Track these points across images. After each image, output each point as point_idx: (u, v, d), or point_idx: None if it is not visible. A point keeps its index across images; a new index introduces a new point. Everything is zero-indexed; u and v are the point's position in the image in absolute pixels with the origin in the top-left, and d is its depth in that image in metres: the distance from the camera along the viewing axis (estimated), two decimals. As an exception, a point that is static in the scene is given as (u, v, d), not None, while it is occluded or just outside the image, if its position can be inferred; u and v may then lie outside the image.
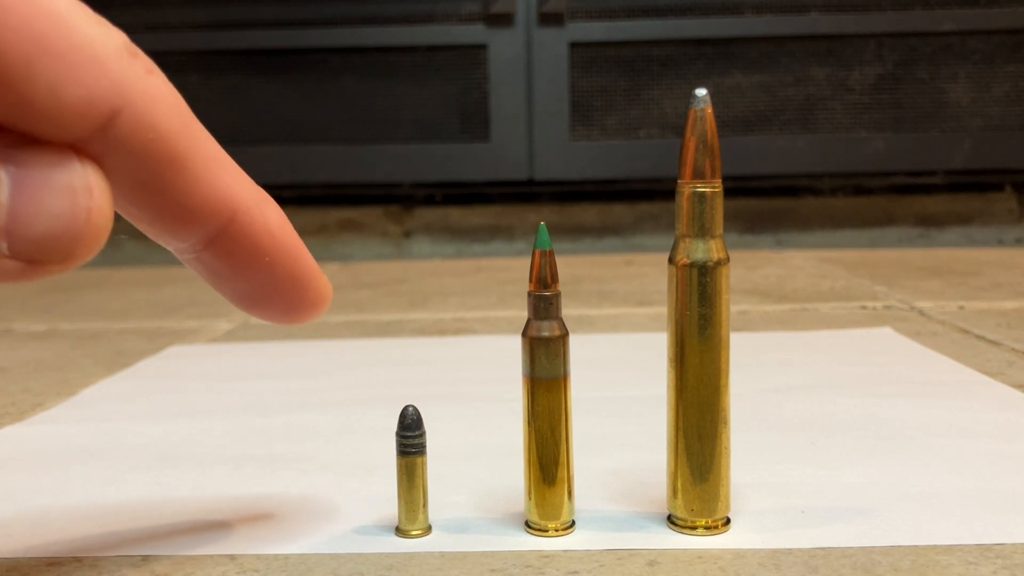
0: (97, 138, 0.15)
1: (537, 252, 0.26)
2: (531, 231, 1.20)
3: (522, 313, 0.70)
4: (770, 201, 1.21)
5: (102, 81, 0.15)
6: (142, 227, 0.18)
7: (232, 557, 0.26)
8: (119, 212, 0.18)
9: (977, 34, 1.15)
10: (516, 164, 1.17)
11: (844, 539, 0.26)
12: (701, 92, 0.25)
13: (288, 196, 1.22)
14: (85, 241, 0.15)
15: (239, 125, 1.18)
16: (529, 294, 0.27)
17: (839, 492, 0.30)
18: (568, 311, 0.69)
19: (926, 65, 1.16)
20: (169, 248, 0.19)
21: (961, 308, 0.67)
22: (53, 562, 0.27)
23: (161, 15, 1.18)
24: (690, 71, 1.17)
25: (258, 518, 0.29)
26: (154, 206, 0.17)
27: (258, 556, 0.26)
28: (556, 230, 1.20)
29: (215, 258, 0.19)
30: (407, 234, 1.23)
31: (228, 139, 1.01)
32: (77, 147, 0.15)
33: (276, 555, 0.26)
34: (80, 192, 0.14)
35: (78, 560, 0.27)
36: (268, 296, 0.19)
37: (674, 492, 0.27)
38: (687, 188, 0.25)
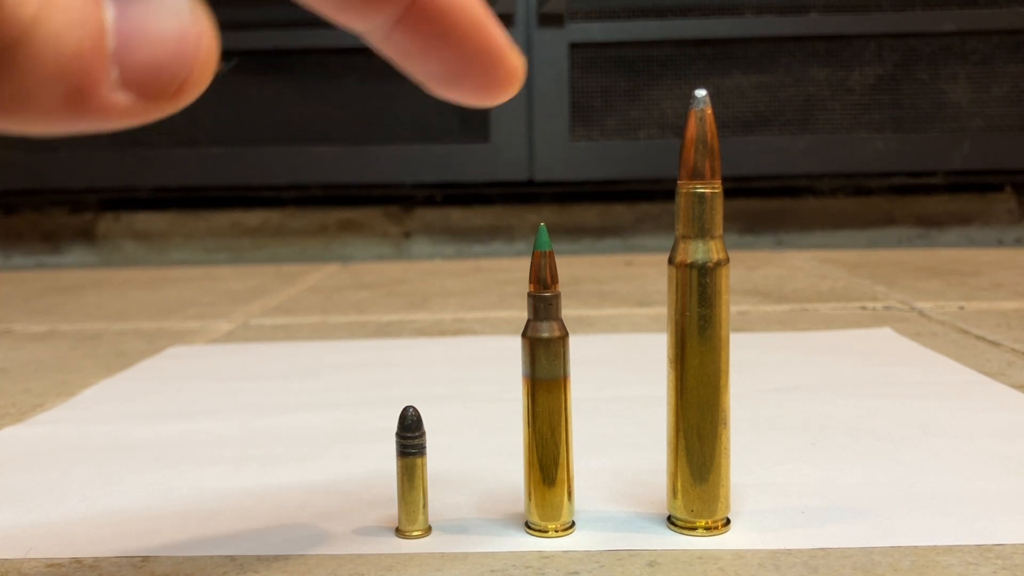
0: None
1: (537, 253, 0.26)
2: (531, 231, 1.20)
3: (522, 313, 0.70)
4: (770, 201, 1.21)
5: None
6: (330, 13, 0.18)
7: (232, 557, 0.26)
8: (307, 5, 0.18)
9: (977, 34, 1.15)
10: (516, 164, 1.17)
11: (844, 539, 0.26)
12: (701, 93, 0.25)
13: (288, 196, 1.22)
14: (197, 66, 0.14)
15: (239, 125, 1.18)
16: (529, 295, 0.27)
17: (839, 492, 0.30)
18: (568, 311, 0.69)
19: (926, 65, 1.16)
20: (357, 31, 0.19)
21: (961, 308, 0.67)
22: (53, 563, 0.27)
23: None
24: (690, 72, 1.17)
25: (258, 518, 0.29)
26: None
27: (258, 556, 0.26)
28: (556, 230, 1.20)
29: (404, 37, 0.18)
30: (407, 234, 1.23)
31: (229, 139, 1.01)
32: None
33: (276, 555, 0.26)
34: (185, 14, 0.14)
35: (78, 561, 0.27)
36: (460, 74, 0.19)
37: (674, 493, 0.27)
38: (687, 189, 0.25)
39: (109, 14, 0.13)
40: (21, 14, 0.12)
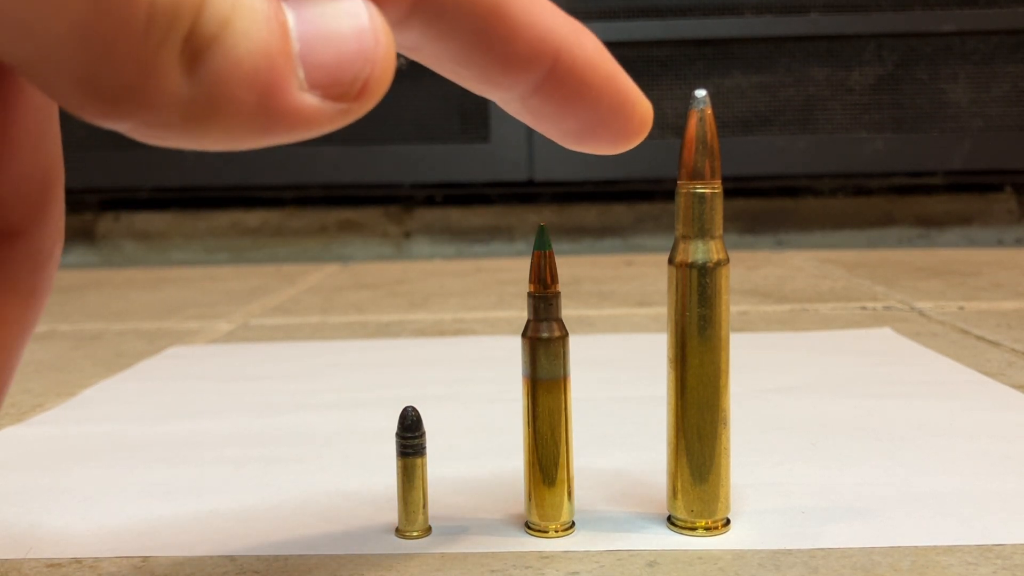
0: (419, 9, 0.16)
1: (537, 253, 0.26)
2: (531, 231, 1.20)
3: (522, 314, 0.70)
4: (770, 201, 1.21)
5: None
6: (470, 84, 0.18)
7: (232, 558, 0.26)
8: (449, 76, 0.18)
9: (977, 34, 1.15)
10: (516, 164, 1.17)
11: (844, 539, 0.26)
12: (701, 93, 0.25)
13: (288, 196, 1.22)
14: (378, 63, 0.14)
15: (239, 126, 1.18)
16: (529, 295, 0.27)
17: (839, 492, 0.30)
18: (568, 311, 0.69)
19: (926, 65, 1.16)
20: (495, 99, 0.19)
21: (961, 308, 0.67)
22: (53, 563, 0.27)
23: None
24: (690, 72, 1.17)
25: (258, 518, 0.29)
26: (481, 62, 0.17)
27: (258, 557, 0.26)
28: (556, 230, 1.20)
29: (542, 102, 0.18)
30: (407, 235, 1.23)
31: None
32: (402, 24, 0.16)
33: (276, 556, 0.26)
34: (363, 15, 0.14)
35: (78, 561, 0.27)
36: (595, 129, 0.19)
37: (674, 493, 0.27)
38: (687, 189, 0.25)
39: (290, 18, 0.14)
40: (220, 10, 0.12)
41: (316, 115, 0.14)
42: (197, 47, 0.12)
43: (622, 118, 0.19)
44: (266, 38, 0.13)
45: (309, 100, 0.14)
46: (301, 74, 0.13)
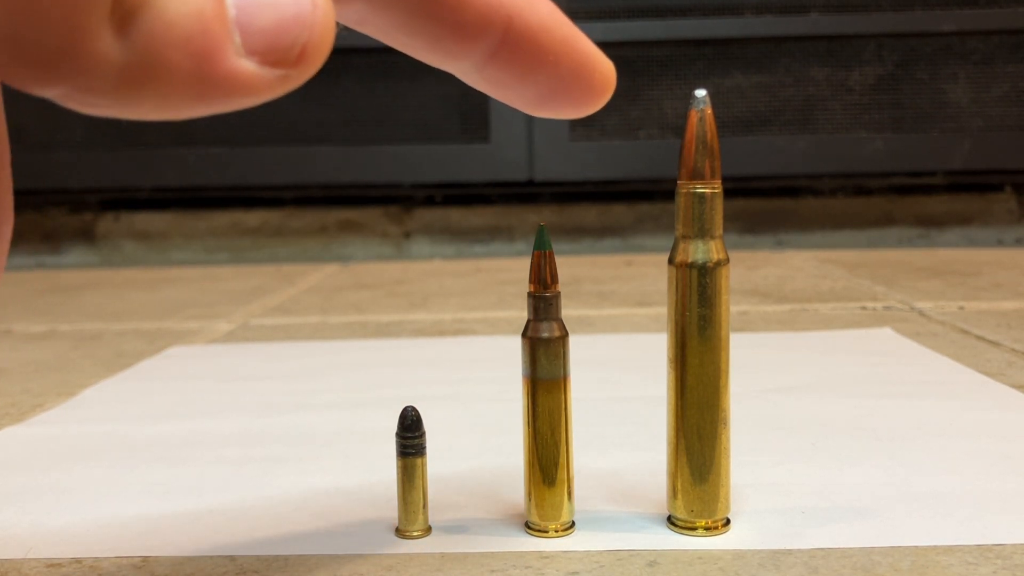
0: None
1: (537, 253, 0.26)
2: (531, 232, 1.20)
3: (522, 314, 0.70)
4: (770, 201, 1.21)
5: None
6: (424, 56, 0.18)
7: (232, 558, 0.26)
8: (402, 49, 0.18)
9: (977, 34, 1.15)
10: (516, 164, 1.17)
11: (844, 539, 0.26)
12: (701, 93, 0.25)
13: (288, 196, 1.22)
14: (316, 30, 0.14)
15: (239, 125, 1.18)
16: (529, 295, 0.27)
17: (839, 492, 0.30)
18: (568, 312, 0.69)
19: (926, 65, 1.16)
20: (452, 70, 0.18)
21: (961, 308, 0.67)
22: (53, 563, 0.27)
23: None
24: (690, 72, 1.17)
25: (258, 518, 0.29)
26: (431, 31, 0.17)
27: (258, 557, 0.26)
28: (556, 230, 1.20)
29: (499, 70, 0.18)
30: (407, 235, 1.23)
31: (229, 139, 1.01)
32: None
33: (276, 555, 0.26)
34: None
35: (78, 561, 0.27)
36: (557, 93, 0.19)
37: (674, 493, 0.27)
38: (687, 189, 0.25)
39: None
40: None
41: (254, 82, 0.13)
42: (128, 8, 0.12)
43: (583, 81, 0.19)
44: (199, 1, 0.13)
45: (246, 66, 0.13)
46: (238, 39, 0.13)
